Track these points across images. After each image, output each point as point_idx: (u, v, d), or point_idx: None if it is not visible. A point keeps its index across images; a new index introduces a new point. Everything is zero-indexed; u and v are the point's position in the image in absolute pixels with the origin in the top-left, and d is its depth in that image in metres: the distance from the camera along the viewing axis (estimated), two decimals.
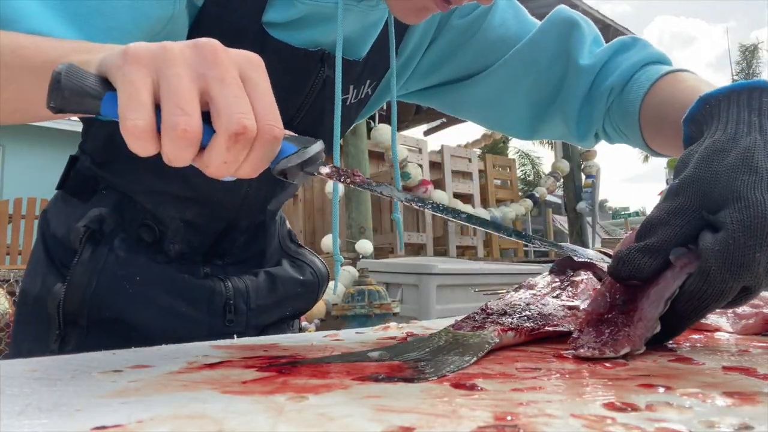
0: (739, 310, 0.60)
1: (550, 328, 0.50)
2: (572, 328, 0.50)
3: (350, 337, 0.57)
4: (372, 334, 0.60)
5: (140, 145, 0.34)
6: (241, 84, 0.36)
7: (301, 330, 0.92)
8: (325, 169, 0.42)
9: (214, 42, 0.36)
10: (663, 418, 0.25)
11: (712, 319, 0.59)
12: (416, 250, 5.68)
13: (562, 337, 0.50)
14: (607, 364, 0.39)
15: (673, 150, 0.66)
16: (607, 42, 0.75)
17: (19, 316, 0.75)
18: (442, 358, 0.40)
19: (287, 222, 0.91)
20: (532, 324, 0.50)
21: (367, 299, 3.08)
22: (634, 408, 0.27)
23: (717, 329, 0.57)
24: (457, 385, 0.33)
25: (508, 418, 0.25)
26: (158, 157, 0.35)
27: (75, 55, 0.39)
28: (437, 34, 0.80)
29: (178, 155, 0.34)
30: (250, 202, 0.75)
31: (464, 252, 5.98)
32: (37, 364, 0.41)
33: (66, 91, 0.33)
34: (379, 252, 4.65)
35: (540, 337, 0.50)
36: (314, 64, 0.67)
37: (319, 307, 3.35)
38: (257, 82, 0.37)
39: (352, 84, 0.74)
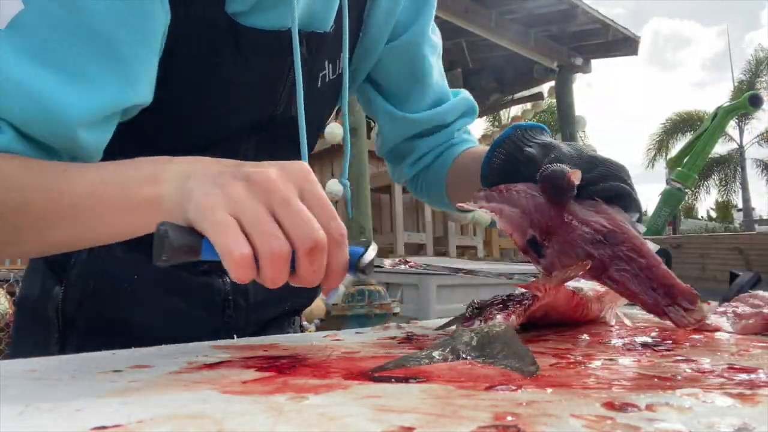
0: (739, 310, 0.60)
1: (538, 293, 0.51)
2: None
3: (350, 337, 0.57)
4: (372, 334, 0.60)
5: (245, 273, 0.38)
6: (300, 204, 0.40)
7: (302, 330, 0.91)
8: (387, 261, 0.53)
9: (264, 171, 0.40)
10: (663, 418, 0.25)
11: (712, 319, 0.59)
12: (416, 250, 5.68)
13: (569, 328, 0.50)
14: (607, 364, 0.39)
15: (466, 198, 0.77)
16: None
17: (18, 322, 0.74)
18: (495, 351, 0.41)
19: None
20: (522, 306, 0.52)
21: (367, 299, 3.08)
22: (634, 408, 0.27)
23: (717, 329, 0.57)
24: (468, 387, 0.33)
25: (508, 418, 0.25)
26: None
27: (145, 188, 0.44)
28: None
29: (277, 275, 0.39)
30: None
31: (464, 252, 5.98)
32: (37, 364, 0.41)
33: (172, 250, 0.38)
34: (379, 252, 4.64)
35: (536, 316, 0.52)
36: (287, 44, 0.66)
37: (319, 307, 3.35)
38: (313, 192, 0.41)
39: (327, 59, 0.74)
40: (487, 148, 0.71)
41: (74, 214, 0.46)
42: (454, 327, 0.56)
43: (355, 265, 0.44)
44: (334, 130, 4.46)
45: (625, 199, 0.54)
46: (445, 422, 0.25)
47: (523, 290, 0.57)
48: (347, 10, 0.72)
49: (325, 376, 0.36)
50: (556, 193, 0.54)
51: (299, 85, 0.65)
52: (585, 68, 7.29)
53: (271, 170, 0.41)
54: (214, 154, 0.52)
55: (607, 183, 0.56)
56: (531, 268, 0.60)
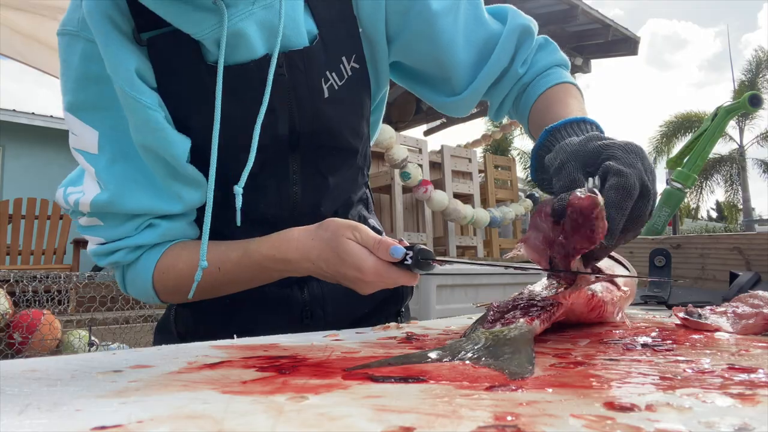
0: (739, 310, 0.60)
1: (562, 301, 0.51)
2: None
3: (350, 337, 0.57)
4: (372, 334, 0.60)
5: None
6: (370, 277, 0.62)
7: (401, 320, 0.91)
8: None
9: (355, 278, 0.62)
10: (663, 418, 0.25)
11: (712, 319, 0.59)
12: None
13: (569, 328, 0.50)
14: (607, 364, 0.39)
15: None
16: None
17: (154, 342, 0.87)
18: (503, 353, 0.41)
19: (372, 219, 0.90)
20: (548, 312, 0.51)
21: None
22: (634, 408, 0.27)
23: (717, 329, 0.57)
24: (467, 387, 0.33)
25: (508, 418, 0.25)
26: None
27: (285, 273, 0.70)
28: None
29: None
30: (300, 210, 0.78)
31: (464, 252, 5.98)
32: (37, 364, 0.41)
33: None
34: None
35: (557, 322, 0.52)
36: (266, 67, 0.70)
37: None
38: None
39: (326, 69, 0.75)
40: (566, 92, 0.76)
41: (246, 282, 0.73)
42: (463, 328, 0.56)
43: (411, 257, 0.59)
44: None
45: (616, 176, 0.53)
46: (445, 422, 0.25)
47: (542, 293, 0.57)
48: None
49: (325, 376, 0.36)
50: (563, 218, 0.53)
51: (218, 99, 0.68)
52: (585, 68, 7.29)
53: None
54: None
55: (603, 165, 0.55)
56: (530, 265, 0.60)
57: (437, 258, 0.59)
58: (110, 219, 0.71)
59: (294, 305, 0.79)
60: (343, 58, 0.77)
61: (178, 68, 0.70)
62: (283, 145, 0.75)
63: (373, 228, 0.88)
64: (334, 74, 0.76)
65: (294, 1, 0.73)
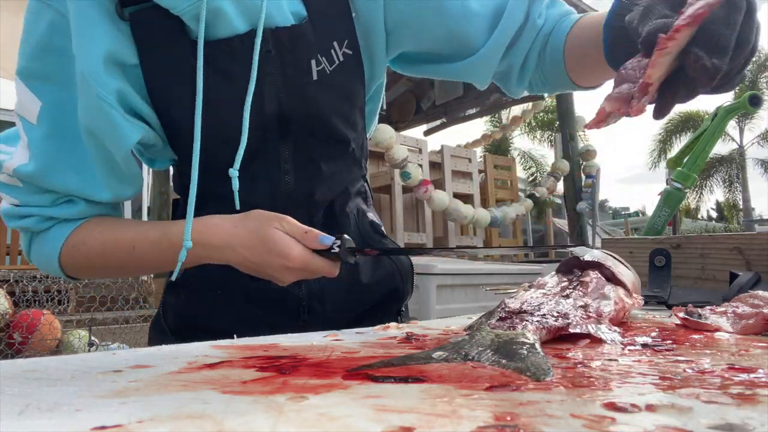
0: (739, 310, 0.60)
1: (572, 330, 0.51)
2: (591, 332, 0.51)
3: (350, 337, 0.57)
4: (372, 334, 0.60)
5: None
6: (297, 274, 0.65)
7: (401, 320, 0.90)
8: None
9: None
10: (663, 418, 0.25)
11: (712, 319, 0.59)
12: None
13: (572, 338, 0.50)
14: (607, 364, 0.39)
15: (593, 77, 0.79)
16: None
17: (149, 340, 0.87)
18: (516, 354, 0.41)
19: (371, 213, 0.90)
20: (558, 323, 0.51)
21: None
22: (634, 408, 0.27)
23: (717, 329, 0.57)
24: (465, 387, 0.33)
25: (508, 418, 0.25)
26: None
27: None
28: None
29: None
30: (295, 200, 0.77)
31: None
32: (37, 364, 0.41)
33: None
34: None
35: (559, 335, 0.51)
36: (249, 42, 0.70)
37: None
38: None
39: (316, 51, 0.74)
40: (596, 15, 0.71)
41: (162, 265, 0.70)
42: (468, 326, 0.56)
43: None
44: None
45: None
46: (445, 422, 0.25)
47: (554, 298, 0.57)
48: None
49: (325, 376, 0.36)
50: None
51: (200, 76, 0.66)
52: None
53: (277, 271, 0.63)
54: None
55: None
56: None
57: (370, 249, 0.63)
58: (30, 185, 0.70)
59: (291, 300, 0.78)
60: (335, 43, 0.76)
61: (162, 44, 0.69)
62: (273, 131, 0.74)
63: (372, 222, 0.87)
64: (324, 58, 0.74)
65: None
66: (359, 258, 0.63)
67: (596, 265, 0.67)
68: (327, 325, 0.77)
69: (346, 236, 0.62)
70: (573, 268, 0.68)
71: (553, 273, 0.68)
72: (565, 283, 0.63)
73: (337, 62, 0.76)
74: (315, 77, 0.74)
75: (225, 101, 0.70)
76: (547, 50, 0.80)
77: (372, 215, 0.89)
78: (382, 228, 0.89)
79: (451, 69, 0.83)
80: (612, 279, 0.66)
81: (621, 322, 0.62)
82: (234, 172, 0.67)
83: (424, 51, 0.84)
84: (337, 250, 0.62)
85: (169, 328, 0.83)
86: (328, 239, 0.62)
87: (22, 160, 0.69)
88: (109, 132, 0.68)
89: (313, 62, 0.74)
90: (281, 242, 0.61)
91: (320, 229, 0.79)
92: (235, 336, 0.58)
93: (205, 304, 0.79)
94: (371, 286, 0.84)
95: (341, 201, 0.83)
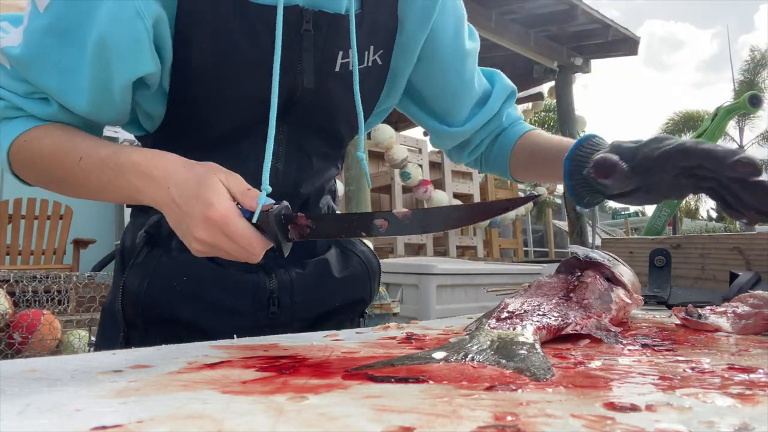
0: (739, 310, 0.60)
1: (572, 330, 0.51)
2: (591, 332, 0.51)
3: (350, 337, 0.57)
4: (372, 334, 0.60)
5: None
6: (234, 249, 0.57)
7: (365, 324, 0.90)
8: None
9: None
10: (663, 418, 0.25)
11: (712, 319, 0.59)
12: (416, 250, 5.67)
13: (572, 337, 0.50)
14: (607, 364, 0.39)
15: (530, 179, 0.97)
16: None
17: (101, 322, 0.81)
18: (516, 354, 0.41)
19: (338, 212, 0.91)
20: (558, 323, 0.51)
21: None
22: (634, 408, 0.27)
23: (717, 329, 0.57)
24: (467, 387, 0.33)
25: (508, 418, 0.25)
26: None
27: (137, 195, 0.61)
28: (437, 15, 0.82)
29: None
30: (282, 188, 0.76)
31: (464, 252, 5.98)
32: (37, 364, 0.41)
33: None
34: (379, 252, 4.65)
35: (559, 335, 0.51)
36: (294, 18, 0.69)
37: None
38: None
39: (347, 46, 0.74)
40: (555, 138, 0.84)
41: (96, 193, 0.65)
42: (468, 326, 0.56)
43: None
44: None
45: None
46: (445, 422, 0.25)
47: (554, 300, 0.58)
48: None
49: (325, 376, 0.36)
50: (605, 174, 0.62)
51: (277, 57, 0.64)
52: (585, 68, 7.29)
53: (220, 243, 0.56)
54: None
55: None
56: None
57: (306, 219, 0.54)
58: (14, 70, 0.66)
59: (261, 291, 0.76)
60: (371, 47, 0.77)
61: None
62: (265, 113, 0.70)
63: None
64: (354, 54, 0.74)
65: None
66: (293, 237, 0.54)
67: (596, 265, 0.67)
68: (294, 320, 0.78)
69: (285, 203, 0.54)
70: (573, 269, 0.68)
71: (552, 273, 0.68)
72: (565, 284, 0.63)
73: (365, 65, 0.77)
74: (337, 68, 0.74)
75: (252, 66, 0.69)
76: (496, 145, 0.94)
77: (338, 212, 0.91)
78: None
79: (427, 123, 0.93)
80: (612, 279, 0.66)
81: (621, 321, 0.62)
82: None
83: (421, 93, 0.89)
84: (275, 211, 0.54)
85: (126, 319, 0.74)
86: (268, 200, 0.55)
87: (14, 42, 0.65)
88: (127, 52, 0.64)
89: (341, 54, 0.73)
90: (212, 189, 0.55)
91: None
92: (235, 336, 0.58)
93: (171, 293, 0.73)
94: (341, 283, 0.84)
95: (315, 197, 0.84)
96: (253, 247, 0.55)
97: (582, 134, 0.76)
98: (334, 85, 0.74)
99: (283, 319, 0.77)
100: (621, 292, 0.64)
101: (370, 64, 0.78)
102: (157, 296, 0.73)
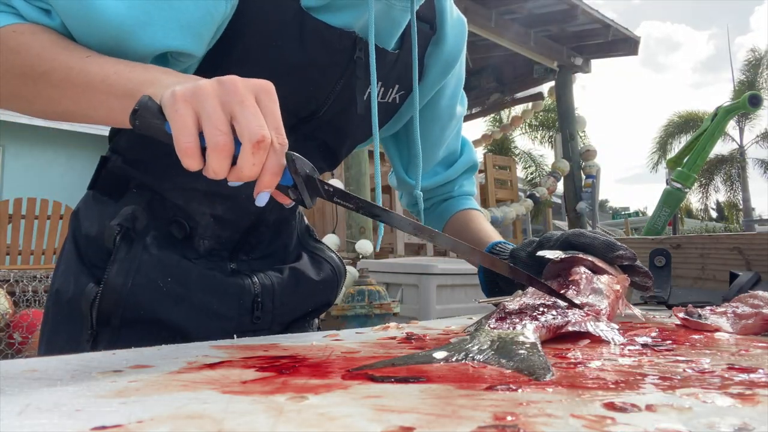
0: (739, 310, 0.60)
1: (571, 328, 0.51)
2: (590, 330, 0.51)
3: (350, 337, 0.57)
4: (372, 334, 0.60)
5: (191, 161, 0.44)
6: (256, 105, 0.45)
7: (319, 329, 0.92)
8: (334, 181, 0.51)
9: (233, 77, 0.46)
10: (663, 418, 0.25)
11: (712, 319, 0.59)
12: (416, 250, 5.67)
13: (573, 337, 0.50)
14: (607, 364, 0.39)
15: None
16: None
17: (53, 316, 0.74)
18: (516, 354, 0.41)
19: (305, 218, 0.92)
20: (558, 321, 0.51)
21: (367, 299, 3.07)
22: (634, 408, 0.27)
23: (717, 329, 0.57)
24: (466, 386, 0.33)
25: (508, 418, 0.25)
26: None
27: (147, 88, 0.49)
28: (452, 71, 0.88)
29: (219, 166, 0.44)
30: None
31: None
32: (37, 364, 0.41)
33: (144, 117, 0.46)
34: (379, 252, 4.65)
35: (559, 334, 0.51)
36: (348, 43, 0.71)
37: None
38: (267, 104, 0.46)
39: (381, 80, 0.77)
40: (482, 229, 0.91)
41: (84, 91, 0.53)
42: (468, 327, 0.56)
43: (291, 171, 0.48)
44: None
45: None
46: (445, 422, 0.25)
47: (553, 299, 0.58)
48: (416, 34, 0.77)
49: (325, 376, 0.36)
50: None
51: (374, 82, 0.71)
52: (585, 68, 7.29)
53: (238, 78, 0.46)
54: None
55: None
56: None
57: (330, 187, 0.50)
58: None
59: (246, 294, 0.75)
60: (397, 86, 0.81)
61: None
62: (288, 119, 0.71)
63: (307, 226, 0.93)
64: (382, 90, 0.79)
65: (405, 13, 0.76)
66: (321, 192, 0.50)
67: (576, 261, 0.67)
68: (273, 324, 0.79)
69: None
70: (558, 272, 0.68)
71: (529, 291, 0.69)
72: (558, 287, 0.63)
73: (386, 100, 0.81)
74: (365, 97, 0.76)
75: (283, 73, 0.68)
76: (439, 209, 1.01)
77: (306, 220, 0.93)
78: (315, 234, 0.94)
79: (397, 166, 0.98)
80: (595, 269, 0.66)
81: (616, 308, 0.62)
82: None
83: (406, 134, 0.93)
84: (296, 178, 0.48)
85: (98, 316, 0.68)
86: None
87: None
88: (192, 20, 0.59)
89: (369, 85, 0.75)
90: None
91: (266, 231, 0.80)
92: (235, 336, 0.58)
93: (155, 294, 0.70)
94: (316, 287, 0.85)
95: (292, 209, 0.86)
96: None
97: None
98: (352, 111, 0.77)
99: (264, 323, 0.78)
100: (608, 279, 0.65)
101: (390, 100, 0.82)
102: (142, 296, 0.69)
